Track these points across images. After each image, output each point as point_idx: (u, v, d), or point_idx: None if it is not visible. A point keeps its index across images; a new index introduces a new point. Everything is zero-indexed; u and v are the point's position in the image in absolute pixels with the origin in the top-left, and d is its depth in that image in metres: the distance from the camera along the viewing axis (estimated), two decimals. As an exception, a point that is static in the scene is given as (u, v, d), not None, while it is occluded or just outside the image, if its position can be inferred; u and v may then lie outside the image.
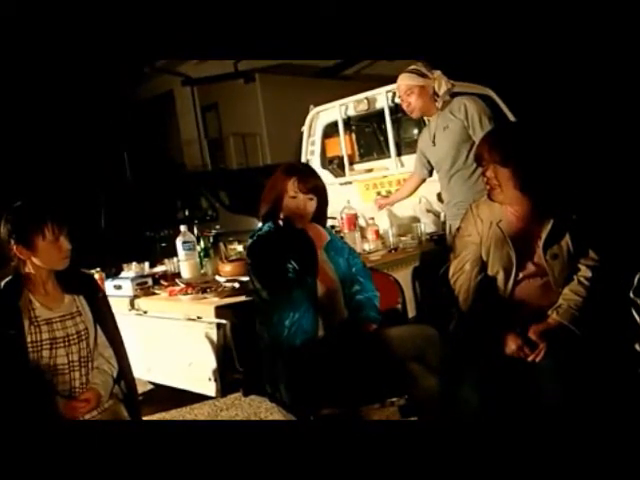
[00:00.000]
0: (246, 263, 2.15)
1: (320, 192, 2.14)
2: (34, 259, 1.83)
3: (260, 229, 2.10)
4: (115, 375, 1.96)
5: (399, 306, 2.56)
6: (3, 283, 1.86)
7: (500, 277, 1.97)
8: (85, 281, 2.02)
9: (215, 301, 2.42)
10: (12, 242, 1.82)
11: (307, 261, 2.00)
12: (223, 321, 2.30)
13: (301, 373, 1.96)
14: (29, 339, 1.80)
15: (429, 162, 3.05)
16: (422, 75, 2.84)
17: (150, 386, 3.39)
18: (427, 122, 3.04)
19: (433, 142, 2.93)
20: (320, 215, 2.18)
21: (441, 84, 2.82)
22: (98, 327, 1.94)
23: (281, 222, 2.09)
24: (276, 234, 2.05)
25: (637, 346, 1.75)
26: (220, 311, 2.32)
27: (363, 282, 2.23)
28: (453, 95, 2.92)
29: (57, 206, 1.89)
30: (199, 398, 2.96)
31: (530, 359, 1.85)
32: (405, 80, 2.89)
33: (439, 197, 3.37)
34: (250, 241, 2.09)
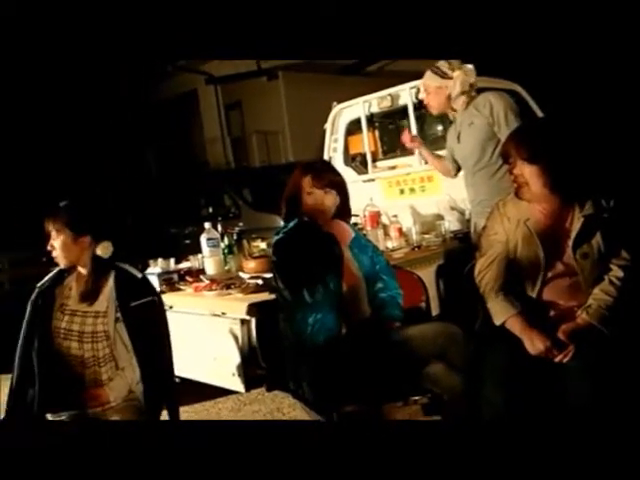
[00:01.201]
0: (271, 261, 2.16)
1: (338, 186, 2.14)
2: None
3: (285, 227, 2.10)
4: (135, 382, 1.98)
5: (423, 304, 2.54)
6: (58, 268, 2.01)
7: (528, 276, 1.94)
8: (122, 286, 2.01)
9: (239, 297, 2.44)
10: None
11: (332, 260, 2.00)
12: (247, 317, 2.31)
13: (324, 370, 1.97)
14: (53, 324, 1.91)
15: (456, 160, 3.03)
16: (442, 75, 2.82)
17: (175, 380, 3.43)
18: (453, 119, 3.01)
19: (458, 139, 2.90)
20: (343, 211, 2.18)
21: (456, 86, 2.79)
22: (124, 333, 1.96)
23: (305, 220, 2.09)
24: (300, 232, 2.05)
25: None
26: (244, 307, 2.33)
27: (386, 280, 2.22)
28: (479, 91, 2.89)
29: (53, 206, 2.00)
30: (223, 392, 2.99)
31: (558, 360, 1.83)
32: (425, 79, 2.91)
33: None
34: (275, 239, 2.10)
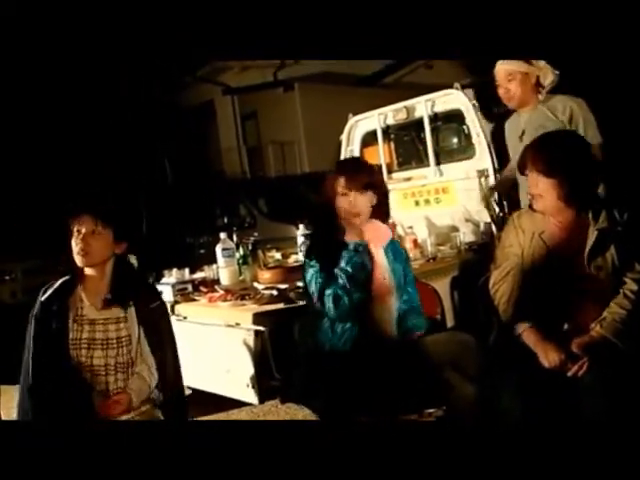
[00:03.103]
0: (302, 267, 2.13)
1: (376, 186, 2.05)
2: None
3: (315, 233, 2.10)
4: (153, 384, 1.97)
5: (438, 316, 2.53)
6: (60, 280, 1.94)
7: (542, 289, 1.93)
8: (139, 291, 2.03)
9: (253, 308, 2.45)
10: None
11: (362, 271, 1.97)
12: (261, 328, 2.32)
13: (342, 380, 1.95)
14: (71, 336, 1.87)
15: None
16: (527, 61, 2.63)
17: (189, 391, 3.44)
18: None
19: (521, 138, 2.71)
20: (380, 211, 2.09)
21: (547, 74, 2.63)
22: (143, 336, 1.96)
23: (337, 225, 2.06)
24: (331, 240, 2.03)
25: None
26: (258, 318, 2.34)
27: (411, 293, 2.19)
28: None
29: (74, 205, 1.95)
30: (237, 404, 2.99)
31: (572, 373, 1.81)
32: (506, 64, 2.68)
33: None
34: (305, 246, 2.10)
